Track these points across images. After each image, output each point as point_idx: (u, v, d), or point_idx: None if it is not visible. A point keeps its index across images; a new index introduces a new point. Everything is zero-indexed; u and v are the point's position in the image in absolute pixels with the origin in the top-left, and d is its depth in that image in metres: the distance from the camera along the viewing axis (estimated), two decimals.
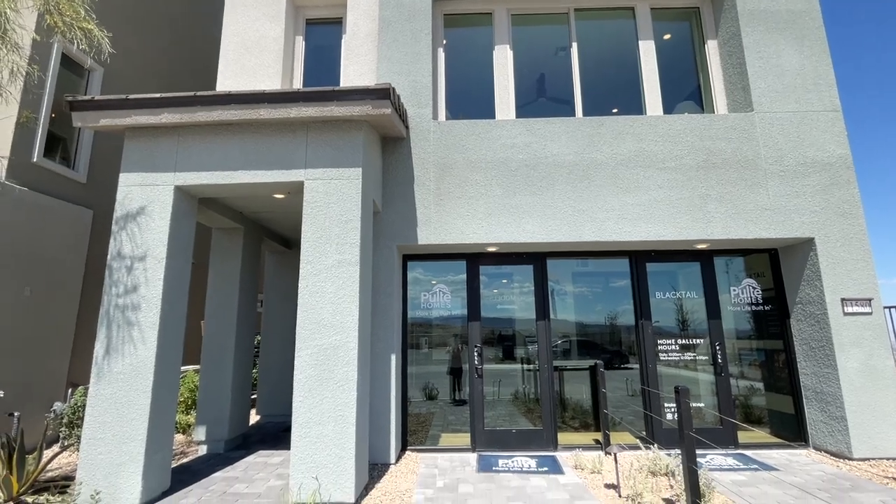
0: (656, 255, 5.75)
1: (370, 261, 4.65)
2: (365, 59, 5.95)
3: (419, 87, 5.62)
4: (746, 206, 5.23)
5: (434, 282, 5.84)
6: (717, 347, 5.51)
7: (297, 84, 6.16)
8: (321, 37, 6.41)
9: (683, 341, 5.63)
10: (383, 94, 4.11)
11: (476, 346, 5.58)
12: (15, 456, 4.08)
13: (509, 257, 5.82)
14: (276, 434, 6.15)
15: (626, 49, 6.24)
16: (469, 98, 6.20)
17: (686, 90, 6.29)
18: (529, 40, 6.33)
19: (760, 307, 5.69)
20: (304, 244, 4.12)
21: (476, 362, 5.53)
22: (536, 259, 5.79)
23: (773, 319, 5.66)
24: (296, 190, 4.50)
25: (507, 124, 5.57)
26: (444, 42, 6.23)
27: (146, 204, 4.19)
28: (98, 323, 3.97)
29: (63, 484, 4.35)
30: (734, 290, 5.72)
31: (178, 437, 6.10)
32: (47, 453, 5.48)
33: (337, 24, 6.33)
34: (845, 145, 5.31)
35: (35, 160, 5.97)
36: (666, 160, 5.37)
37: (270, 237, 6.68)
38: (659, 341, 5.61)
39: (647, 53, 6.10)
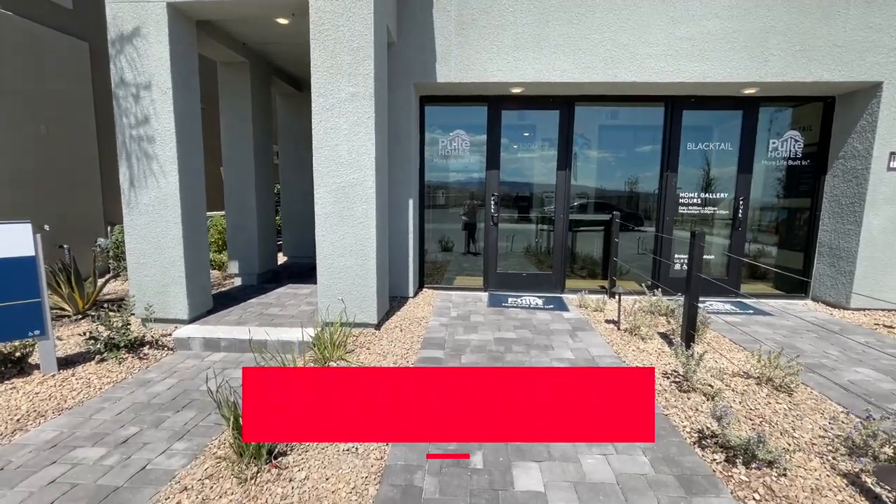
0: (696, 101, 5.25)
1: (385, 97, 4.36)
2: None
3: None
4: (815, 41, 4.54)
5: (451, 134, 5.58)
6: (741, 202, 5.39)
7: None
8: None
9: (706, 195, 5.50)
10: None
11: (493, 195, 5.55)
12: (73, 278, 4.55)
13: (534, 101, 5.40)
14: (303, 272, 6.65)
15: None
16: None
17: None
18: None
19: (797, 162, 5.38)
20: (314, 75, 3.81)
21: (492, 210, 5.58)
22: (564, 104, 5.37)
23: (806, 175, 5.40)
24: (300, 11, 4.00)
25: None
26: None
27: (140, 25, 3.81)
28: (117, 156, 3.97)
29: (120, 303, 4.91)
30: (773, 143, 5.35)
31: (214, 273, 6.65)
32: (100, 281, 6.11)
33: None
34: None
35: None
36: None
37: (279, 76, 6.24)
38: (681, 195, 5.49)
39: None
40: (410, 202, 5.09)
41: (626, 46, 4.65)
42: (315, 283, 4.23)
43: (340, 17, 3.72)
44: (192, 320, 4.21)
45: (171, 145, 3.91)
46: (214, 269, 6.81)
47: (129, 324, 3.73)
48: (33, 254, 3.13)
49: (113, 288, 5.84)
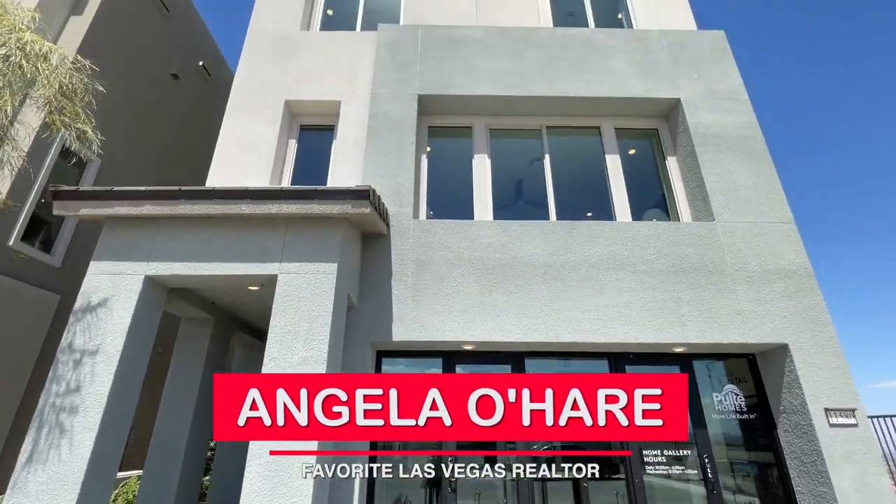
0: (635, 357, 5.65)
1: (340, 357, 4.47)
2: (352, 162, 6.32)
3: (402, 188, 5.91)
4: (719, 310, 5.31)
5: None
6: (706, 460, 5.17)
7: (286, 182, 6.45)
8: (313, 140, 6.88)
9: (670, 452, 5.29)
10: (363, 194, 4.31)
11: (450, 459, 5.14)
12: None
13: (487, 356, 5.65)
14: None
15: (594, 161, 6.78)
16: (450, 199, 6.53)
17: (652, 199, 6.73)
18: (506, 150, 6.89)
19: (746, 415, 5.48)
20: (270, 339, 3.98)
21: (448, 475, 5.05)
22: (514, 359, 5.63)
23: (760, 429, 5.42)
24: (270, 283, 4.46)
25: (484, 225, 5.79)
26: (428, 149, 6.72)
27: (112, 293, 4.08)
28: (30, 424, 3.61)
29: None
30: (717, 397, 5.55)
31: None
32: None
33: (328, 130, 6.84)
34: (803, 255, 5.57)
35: (11, 243, 5.93)
36: (636, 264, 5.54)
37: (242, 329, 6.47)
38: (644, 452, 5.27)
39: (614, 166, 6.62)
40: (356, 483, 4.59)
41: (561, 311, 5.26)
42: None
43: (304, 290, 4.15)
44: None
45: (98, 412, 3.63)
46: None
47: None
48: None
49: None
